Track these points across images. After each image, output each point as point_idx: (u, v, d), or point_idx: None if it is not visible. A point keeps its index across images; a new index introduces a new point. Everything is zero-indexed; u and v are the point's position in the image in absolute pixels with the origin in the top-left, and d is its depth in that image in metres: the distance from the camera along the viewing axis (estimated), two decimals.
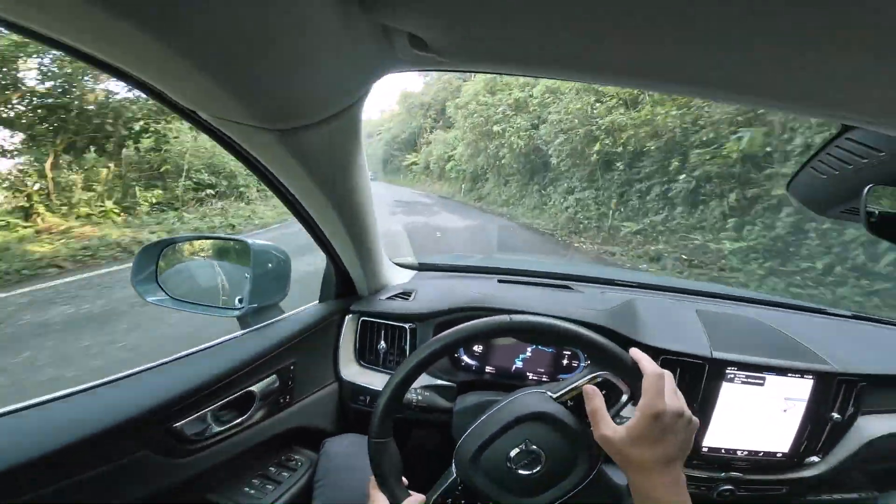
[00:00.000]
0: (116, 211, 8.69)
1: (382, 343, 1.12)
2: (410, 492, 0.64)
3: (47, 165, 8.06)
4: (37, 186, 7.93)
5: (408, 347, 1.11)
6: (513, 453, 0.63)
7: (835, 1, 0.27)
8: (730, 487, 0.96)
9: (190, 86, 0.42)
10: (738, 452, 0.97)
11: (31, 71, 8.01)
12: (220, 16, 0.32)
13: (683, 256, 6.94)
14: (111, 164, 9.40)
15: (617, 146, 9.52)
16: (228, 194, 12.01)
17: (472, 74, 17.28)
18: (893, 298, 4.22)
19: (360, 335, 1.15)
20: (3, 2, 0.31)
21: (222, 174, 12.00)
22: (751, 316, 1.17)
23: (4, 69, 7.55)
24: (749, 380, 0.95)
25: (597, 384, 0.64)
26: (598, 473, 0.65)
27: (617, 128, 9.47)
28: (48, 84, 8.25)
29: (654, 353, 0.95)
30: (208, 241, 1.13)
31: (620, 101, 9.53)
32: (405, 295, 1.18)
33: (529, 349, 1.11)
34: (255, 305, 0.96)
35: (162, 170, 10.39)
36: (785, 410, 0.96)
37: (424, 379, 1.05)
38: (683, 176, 7.41)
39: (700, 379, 0.95)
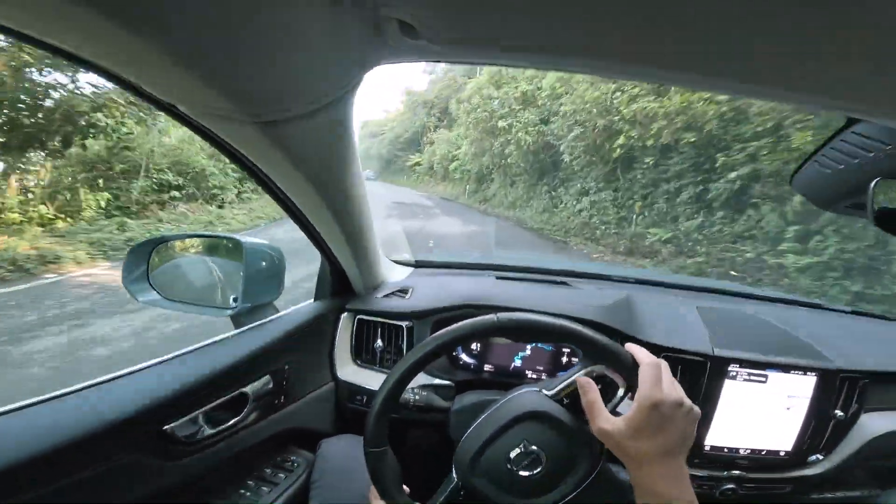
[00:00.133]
0: (51, 216, 7.64)
1: (379, 342, 1.11)
2: (414, 502, 0.62)
3: None
4: None
5: (405, 346, 1.09)
6: (512, 454, 0.61)
7: None
8: (732, 486, 0.95)
9: (166, 78, 0.40)
10: (741, 451, 0.96)
11: None
12: (197, 2, 0.30)
13: (733, 272, 6.08)
14: (49, 164, 8.51)
15: (645, 139, 8.22)
16: (197, 196, 10.89)
17: (479, 71, 16.12)
18: None
19: (356, 334, 1.13)
20: None
21: (189, 174, 10.88)
22: (751, 312, 1.16)
23: None
24: (751, 377, 0.94)
25: (592, 379, 0.63)
26: (602, 470, 0.63)
27: (645, 118, 8.15)
28: None
29: (655, 350, 0.93)
30: (201, 240, 1.11)
31: (647, 88, 8.18)
32: (402, 292, 1.17)
33: (529, 347, 1.10)
34: (249, 304, 0.94)
35: (117, 169, 9.25)
36: (788, 408, 0.94)
37: (422, 378, 1.03)
38: (735, 173, 6.26)
39: (701, 376, 0.94)
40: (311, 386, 1.04)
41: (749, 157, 6.17)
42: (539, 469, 0.61)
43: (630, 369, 0.60)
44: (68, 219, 7.84)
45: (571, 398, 0.64)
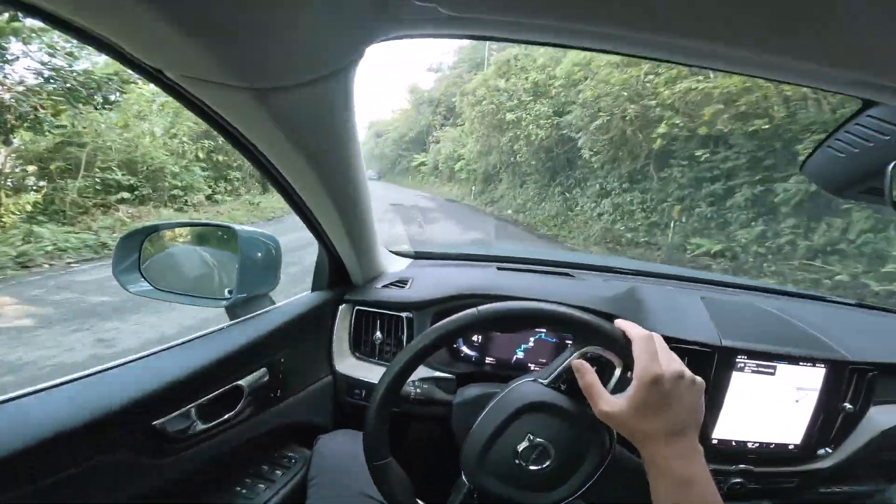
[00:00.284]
0: None
1: (378, 333, 1.08)
2: None
3: None
4: None
5: (405, 337, 1.07)
6: (519, 449, 0.59)
7: None
8: (740, 481, 0.93)
9: (156, 40, 0.36)
10: (749, 444, 0.94)
11: None
12: None
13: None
14: None
15: (692, 128, 6.67)
16: (153, 198, 9.40)
17: (486, 65, 15.03)
18: None
19: (354, 326, 1.10)
20: None
21: (143, 172, 9.34)
22: (755, 304, 1.14)
23: None
24: (760, 369, 0.92)
25: (587, 361, 0.61)
26: (617, 454, 0.61)
27: (691, 102, 6.61)
28: None
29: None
30: (196, 228, 1.08)
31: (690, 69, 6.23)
32: (401, 283, 1.14)
33: (532, 339, 1.08)
34: (244, 295, 0.91)
35: (54, 168, 7.91)
36: (797, 401, 0.93)
37: (423, 371, 1.01)
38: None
39: (709, 368, 0.92)
40: (308, 379, 1.01)
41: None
42: (549, 461, 0.59)
43: (623, 346, 0.58)
44: None
45: (568, 383, 0.62)
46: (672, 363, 0.55)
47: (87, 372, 0.64)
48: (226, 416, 0.77)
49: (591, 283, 1.23)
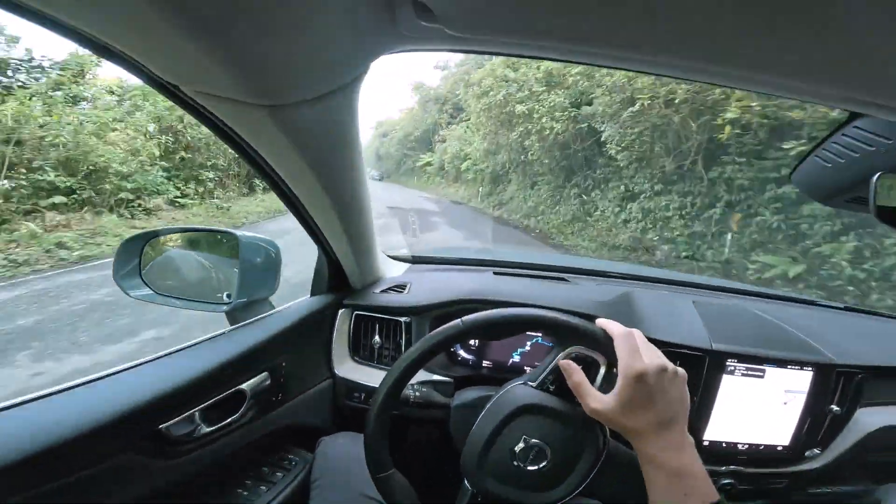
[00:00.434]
0: None
1: (377, 338, 1.09)
2: None
3: None
4: None
5: (403, 342, 1.08)
6: (516, 450, 0.61)
7: None
8: (731, 481, 0.95)
9: (174, 57, 0.38)
10: (739, 445, 0.97)
11: None
12: None
13: None
14: None
15: (773, 114, 5.28)
16: (96, 202, 8.04)
17: (490, 60, 13.65)
18: None
19: (353, 330, 1.11)
20: None
21: (82, 171, 7.94)
22: (746, 308, 1.17)
23: None
24: (749, 372, 0.94)
25: (573, 360, 0.63)
26: (612, 449, 0.63)
27: None
28: None
29: (654, 345, 0.93)
30: (196, 234, 1.09)
31: None
32: (399, 288, 1.15)
33: (529, 343, 1.09)
34: (245, 300, 0.92)
35: None
36: (785, 403, 0.95)
37: (421, 374, 1.02)
38: None
39: (700, 371, 0.94)
40: (308, 383, 1.03)
41: None
42: (546, 461, 0.61)
43: (605, 344, 0.60)
44: None
45: (557, 384, 0.64)
46: (654, 357, 0.57)
47: (93, 377, 0.66)
48: (229, 420, 0.78)
49: (586, 287, 1.25)
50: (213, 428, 0.75)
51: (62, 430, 0.55)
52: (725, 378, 0.94)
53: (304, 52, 0.40)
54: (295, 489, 0.89)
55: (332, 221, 0.84)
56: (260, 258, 0.94)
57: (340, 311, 1.11)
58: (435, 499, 0.73)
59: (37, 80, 8.79)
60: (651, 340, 0.92)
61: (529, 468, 0.61)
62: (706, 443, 0.96)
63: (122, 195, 8.55)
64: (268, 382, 0.86)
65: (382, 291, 1.14)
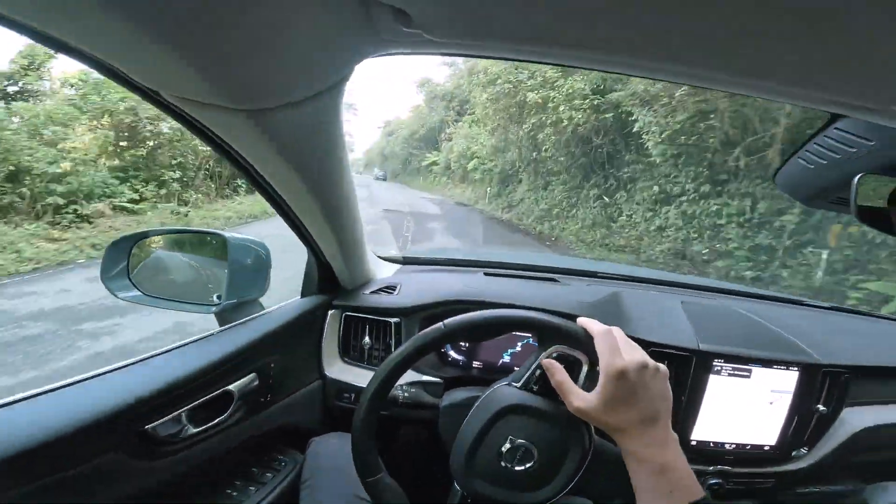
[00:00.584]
0: None
1: (367, 339, 1.10)
2: None
3: None
4: None
5: (393, 343, 1.08)
6: (503, 451, 0.61)
7: None
8: (718, 481, 0.96)
9: (153, 64, 0.38)
10: (726, 445, 0.97)
11: None
12: None
13: None
14: None
15: None
16: (18, 209, 7.01)
17: None
18: None
19: (343, 331, 1.12)
20: None
21: (1, 173, 6.92)
22: (734, 308, 1.18)
23: None
24: (736, 372, 0.95)
25: (556, 359, 0.63)
26: (599, 447, 0.64)
27: None
28: None
29: (642, 345, 0.94)
30: (184, 235, 1.09)
31: None
32: (390, 289, 1.16)
33: (519, 344, 1.10)
34: (234, 301, 0.92)
35: None
36: (771, 403, 0.96)
37: (411, 375, 1.02)
38: None
39: (687, 371, 0.95)
40: (298, 384, 1.03)
41: None
42: (533, 461, 0.61)
43: (586, 343, 0.61)
44: None
45: (541, 384, 0.64)
46: (634, 354, 0.57)
47: (79, 377, 0.66)
48: (216, 421, 0.78)
49: (575, 287, 1.26)
50: (201, 429, 0.75)
51: (46, 431, 0.55)
52: (712, 378, 0.95)
53: (283, 56, 0.40)
54: (285, 489, 0.89)
55: (320, 223, 0.84)
56: (249, 259, 0.95)
57: (330, 312, 1.11)
58: (423, 498, 0.73)
59: None
60: (638, 341, 0.93)
61: (517, 468, 0.61)
62: (693, 443, 0.96)
63: (50, 200, 7.35)
64: (256, 383, 0.86)
65: (372, 292, 1.15)
